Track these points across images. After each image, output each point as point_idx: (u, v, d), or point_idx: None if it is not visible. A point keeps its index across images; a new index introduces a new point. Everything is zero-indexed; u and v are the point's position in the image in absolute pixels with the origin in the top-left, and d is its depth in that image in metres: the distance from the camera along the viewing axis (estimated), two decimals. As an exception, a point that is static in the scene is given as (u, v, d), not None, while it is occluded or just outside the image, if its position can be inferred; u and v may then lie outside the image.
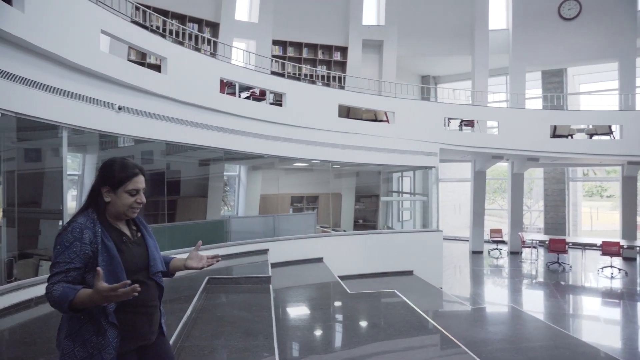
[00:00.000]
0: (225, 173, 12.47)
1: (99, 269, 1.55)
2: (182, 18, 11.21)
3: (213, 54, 11.03)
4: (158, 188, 7.99)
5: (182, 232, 8.39)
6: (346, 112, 11.32)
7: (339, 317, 5.86)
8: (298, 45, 13.03)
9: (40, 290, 4.95)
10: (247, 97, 9.60)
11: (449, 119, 12.15)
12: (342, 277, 9.25)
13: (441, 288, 9.97)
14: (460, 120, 12.10)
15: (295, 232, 9.42)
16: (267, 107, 8.86)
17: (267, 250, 8.52)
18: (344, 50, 13.33)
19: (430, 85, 17.12)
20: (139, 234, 1.95)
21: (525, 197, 16.75)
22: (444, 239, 18.70)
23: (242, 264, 7.70)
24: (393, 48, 13.43)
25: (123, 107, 6.25)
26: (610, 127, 12.24)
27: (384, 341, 4.61)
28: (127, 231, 1.88)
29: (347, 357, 4.30)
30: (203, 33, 11.49)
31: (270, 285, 6.13)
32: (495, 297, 9.91)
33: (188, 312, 4.44)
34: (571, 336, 6.50)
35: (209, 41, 11.46)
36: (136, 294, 1.55)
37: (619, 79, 13.32)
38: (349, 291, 6.77)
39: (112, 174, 1.81)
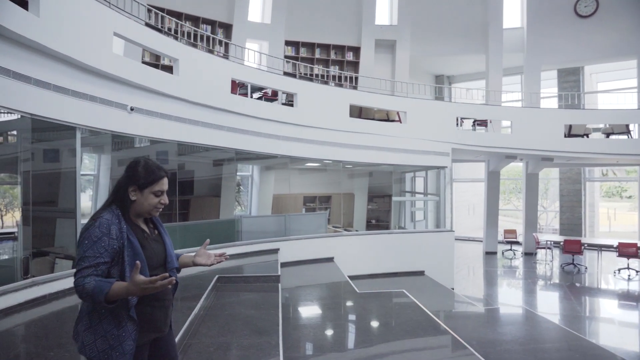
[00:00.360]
0: (238, 173, 12.61)
1: (138, 262, 1.63)
2: (195, 20, 11.34)
3: (226, 56, 11.13)
4: (171, 188, 8.13)
5: (194, 231, 8.52)
6: (358, 112, 11.33)
7: (347, 316, 5.88)
8: (310, 46, 13.07)
9: (55, 286, 5.08)
10: (259, 98, 9.69)
11: (462, 118, 12.08)
12: (353, 277, 9.27)
13: (452, 289, 9.92)
14: (473, 120, 12.01)
15: (307, 232, 9.46)
16: (278, 108, 8.93)
17: (278, 249, 8.58)
18: (356, 50, 13.33)
19: (444, 84, 17.02)
20: (156, 232, 2.02)
21: (541, 197, 16.56)
22: (457, 239, 18.73)
23: (252, 263, 7.78)
24: (406, 48, 13.38)
25: (135, 107, 6.37)
26: (627, 126, 12.02)
27: (391, 342, 4.62)
28: (146, 228, 1.96)
29: (352, 357, 4.32)
30: (216, 34, 11.61)
31: (279, 284, 6.18)
32: (508, 299, 9.81)
33: (196, 310, 4.51)
34: (584, 339, 6.39)
35: (221, 42, 11.57)
36: (170, 286, 1.67)
37: (638, 77, 13.08)
38: (357, 291, 6.79)
39: (140, 174, 1.88)
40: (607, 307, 9.19)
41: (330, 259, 9.19)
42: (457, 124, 11.96)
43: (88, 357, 1.72)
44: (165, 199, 1.95)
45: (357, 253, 9.65)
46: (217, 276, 6.15)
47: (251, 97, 9.43)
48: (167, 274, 1.64)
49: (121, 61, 6.13)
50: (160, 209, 1.96)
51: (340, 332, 5.07)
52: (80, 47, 5.34)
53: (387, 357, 4.27)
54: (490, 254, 14.74)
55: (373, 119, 10.66)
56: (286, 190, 12.84)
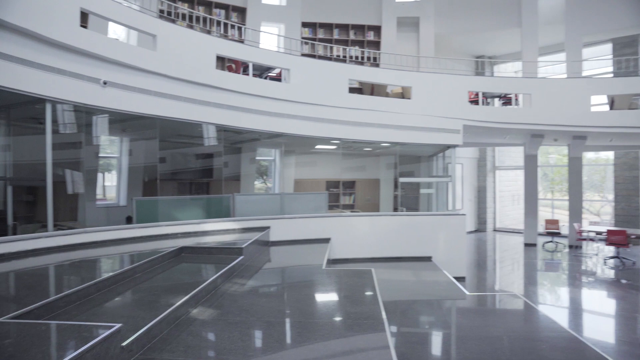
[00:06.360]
0: (260, 157, 12.70)
1: None
2: (208, 5, 11.49)
3: (242, 40, 11.19)
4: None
5: (193, 205, 8.69)
6: (370, 91, 10.91)
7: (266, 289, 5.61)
8: (328, 27, 12.78)
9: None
10: (264, 79, 9.61)
11: (488, 97, 11.22)
12: (350, 260, 8.99)
13: (464, 277, 9.25)
14: (498, 97, 11.10)
15: (305, 212, 9.25)
16: (268, 83, 8.77)
17: (269, 227, 8.47)
18: (377, 29, 12.84)
19: (484, 65, 15.93)
20: None
21: (595, 185, 15.05)
22: (498, 231, 17.59)
23: (236, 239, 7.67)
24: (430, 25, 12.66)
25: (109, 82, 6.53)
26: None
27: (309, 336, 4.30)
28: None
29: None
30: (230, 19, 11.69)
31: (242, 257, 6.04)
32: (521, 290, 8.95)
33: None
34: (573, 335, 5.64)
35: (234, 26, 11.62)
36: None
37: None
38: (323, 268, 6.46)
39: None
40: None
41: (326, 240, 8.90)
42: (483, 103, 11.14)
43: None
44: None
45: (358, 235, 9.28)
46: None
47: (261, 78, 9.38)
48: None
49: (93, 36, 6.31)
50: None
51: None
52: (47, 22, 5.56)
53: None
54: (529, 246, 13.62)
55: (387, 97, 10.20)
56: (308, 175, 12.72)
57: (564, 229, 13.88)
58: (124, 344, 2.68)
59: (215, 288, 4.72)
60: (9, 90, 5.47)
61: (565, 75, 12.40)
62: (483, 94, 10.76)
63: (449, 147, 10.03)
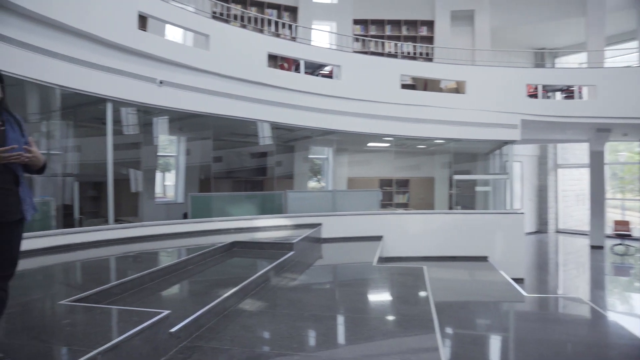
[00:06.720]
0: (313, 155, 12.77)
1: None
2: (260, 5, 11.66)
3: (293, 38, 11.29)
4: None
5: (247, 201, 8.84)
6: (423, 86, 10.67)
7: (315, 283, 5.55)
8: (380, 23, 12.60)
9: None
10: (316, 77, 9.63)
11: (549, 90, 10.65)
12: (402, 259, 8.81)
13: (522, 279, 8.81)
14: (560, 90, 10.50)
15: (356, 209, 9.16)
16: (319, 80, 8.78)
17: (320, 224, 8.46)
18: (430, 24, 12.51)
19: (537, 55, 15.13)
20: (3, 128, 2.17)
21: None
22: (561, 232, 16.62)
23: (287, 235, 7.71)
24: (486, 18, 12.17)
25: (164, 81, 6.77)
26: None
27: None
28: None
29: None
30: (282, 19, 11.81)
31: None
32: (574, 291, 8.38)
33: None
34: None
35: (287, 26, 11.73)
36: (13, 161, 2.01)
37: None
38: (374, 265, 6.35)
39: None
40: None
41: (378, 238, 8.77)
42: (543, 97, 10.58)
43: None
44: None
45: (411, 233, 9.08)
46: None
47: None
48: (14, 147, 1.98)
49: (149, 38, 6.58)
50: None
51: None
52: (108, 26, 5.86)
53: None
54: (596, 249, 12.77)
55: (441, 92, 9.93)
56: (361, 173, 12.63)
57: (636, 231, 12.91)
58: (172, 330, 2.73)
59: (265, 282, 4.75)
60: (75, 91, 5.81)
61: (636, 64, 11.54)
62: (543, 87, 10.21)
63: (506, 143, 9.60)
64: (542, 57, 14.58)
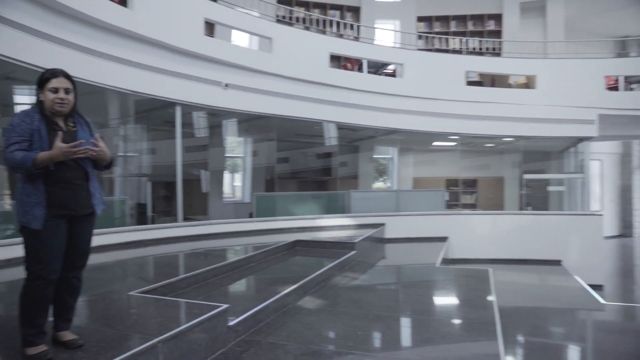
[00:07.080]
0: (378, 155, 12.72)
1: (60, 132, 2.12)
2: (323, 7, 11.76)
3: (356, 38, 11.28)
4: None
5: (309, 200, 8.96)
6: (490, 83, 10.25)
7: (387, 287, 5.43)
8: (445, 19, 12.25)
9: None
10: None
11: (632, 82, 9.84)
12: (468, 261, 8.50)
13: (601, 286, 8.19)
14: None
15: (421, 209, 8.98)
16: (381, 79, 8.70)
17: (384, 224, 8.37)
18: (498, 17, 11.97)
19: (617, 44, 13.94)
20: (75, 129, 2.35)
21: None
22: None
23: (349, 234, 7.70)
24: (559, 7, 11.44)
25: (230, 84, 7.02)
26: None
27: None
28: (62, 124, 2.33)
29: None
30: (345, 19, 11.83)
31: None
32: None
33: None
34: None
35: (350, 26, 11.74)
36: (81, 155, 2.15)
37: None
38: (437, 266, 6.18)
39: (39, 79, 2.31)
40: None
41: (443, 239, 8.53)
42: (625, 89, 9.78)
43: (18, 220, 2.19)
44: (61, 95, 2.26)
45: (478, 234, 8.76)
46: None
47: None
48: (82, 142, 2.11)
49: (214, 43, 6.86)
50: (62, 105, 2.27)
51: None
52: (175, 33, 6.18)
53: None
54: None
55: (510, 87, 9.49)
56: (427, 173, 12.38)
57: None
58: (231, 324, 2.82)
59: (325, 280, 4.77)
60: (147, 96, 6.18)
61: None
62: (625, 78, 9.43)
63: (581, 140, 8.98)
64: (623, 46, 13.48)
